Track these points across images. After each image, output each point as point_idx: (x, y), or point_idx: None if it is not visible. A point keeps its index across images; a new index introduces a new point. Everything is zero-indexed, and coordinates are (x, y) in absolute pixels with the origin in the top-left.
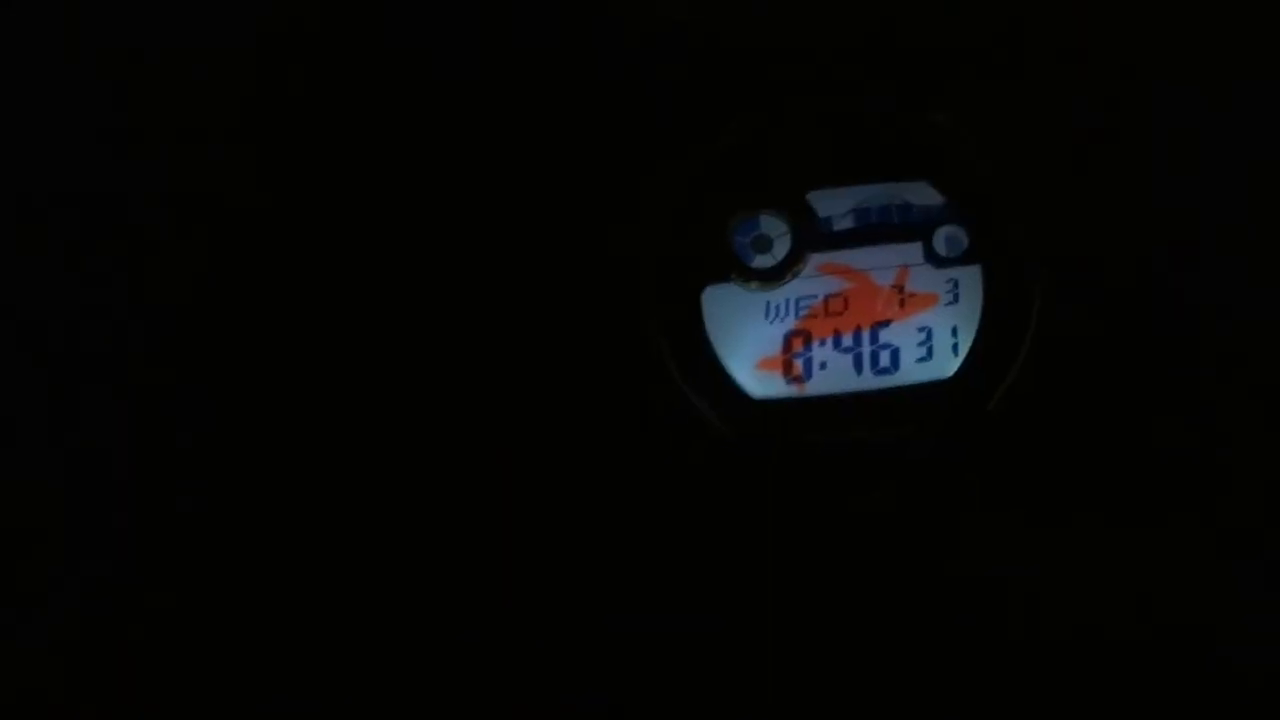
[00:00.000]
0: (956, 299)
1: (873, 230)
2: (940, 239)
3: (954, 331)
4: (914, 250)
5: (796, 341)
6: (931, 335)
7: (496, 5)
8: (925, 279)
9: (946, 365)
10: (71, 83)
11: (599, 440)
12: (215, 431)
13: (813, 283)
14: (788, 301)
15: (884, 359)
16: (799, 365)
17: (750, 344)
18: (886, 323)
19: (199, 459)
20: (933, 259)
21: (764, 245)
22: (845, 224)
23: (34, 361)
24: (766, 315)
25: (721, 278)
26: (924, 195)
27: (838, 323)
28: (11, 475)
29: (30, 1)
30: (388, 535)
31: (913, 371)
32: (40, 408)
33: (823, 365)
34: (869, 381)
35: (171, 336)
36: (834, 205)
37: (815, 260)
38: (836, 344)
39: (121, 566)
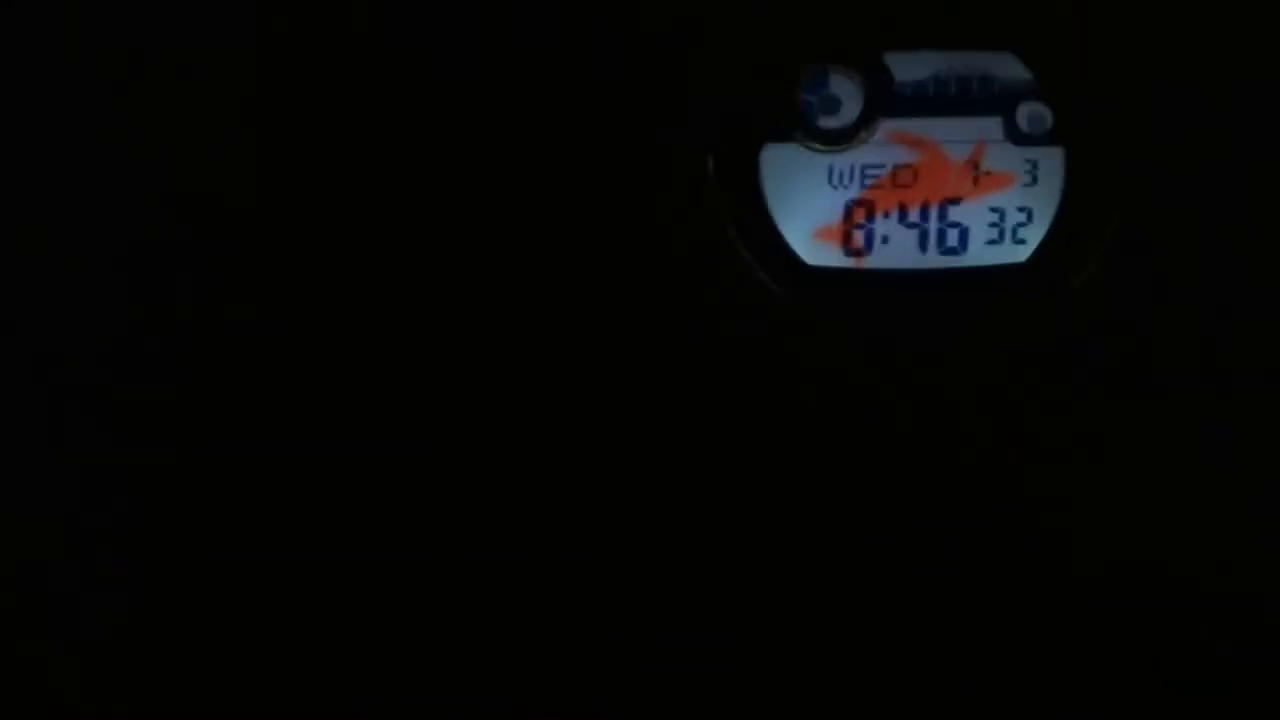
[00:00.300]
0: (1035, 181)
1: (951, 100)
2: (1023, 115)
3: (1029, 216)
4: (993, 125)
5: (858, 212)
6: (1004, 217)
7: None
8: (1003, 157)
9: (1018, 250)
10: (71, 83)
11: (648, 298)
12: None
13: (881, 150)
14: (853, 168)
15: (951, 238)
16: (859, 237)
17: (809, 210)
18: (957, 200)
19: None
20: (1013, 136)
21: (832, 106)
22: (922, 90)
23: (33, 362)
24: (829, 180)
25: (784, 136)
26: (1009, 68)
27: (904, 196)
28: (12, 477)
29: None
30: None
31: (981, 254)
32: (39, 410)
33: (885, 239)
34: (933, 260)
35: (172, 335)
36: (912, 69)
37: (886, 127)
38: (901, 218)
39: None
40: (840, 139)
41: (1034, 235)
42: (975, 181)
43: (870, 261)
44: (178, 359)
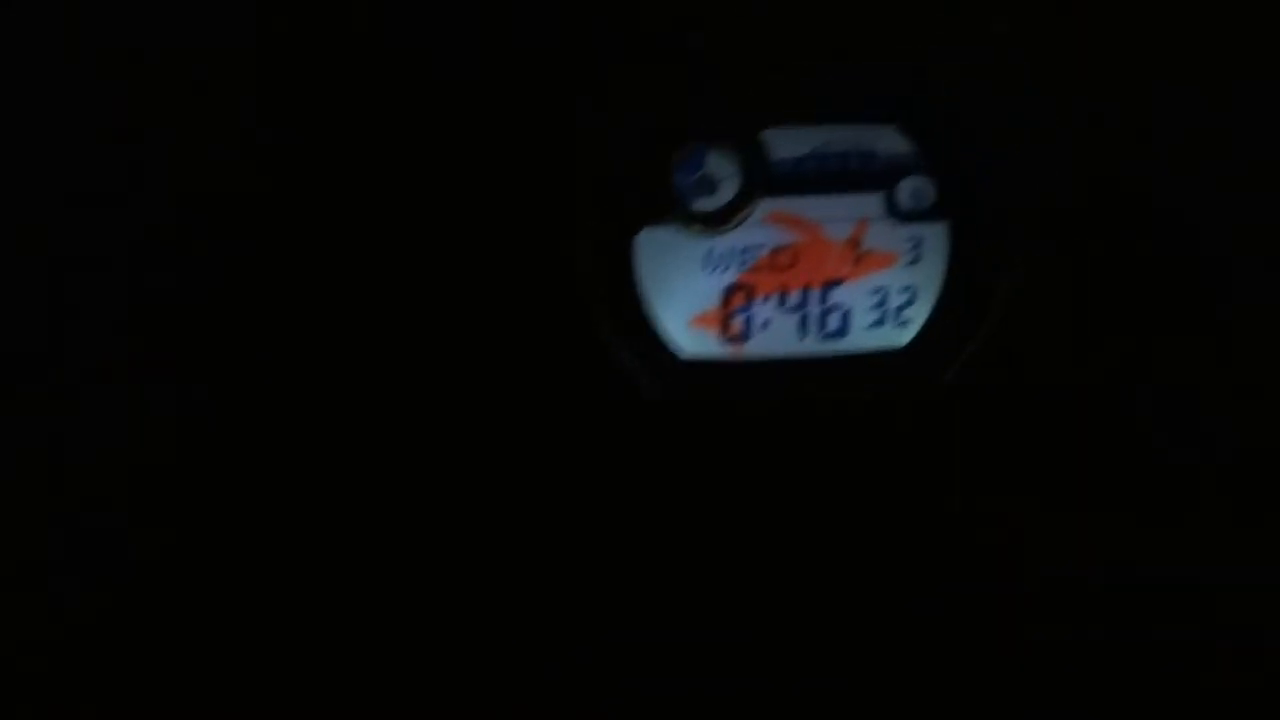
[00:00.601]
0: (918, 259)
1: (831, 177)
2: (905, 191)
3: (912, 296)
4: (875, 202)
5: (737, 296)
6: (887, 298)
7: None
8: (885, 235)
9: (901, 333)
10: (71, 83)
11: (519, 393)
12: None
13: (760, 231)
14: (731, 251)
15: (833, 321)
16: (738, 323)
17: (685, 296)
18: (838, 281)
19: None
20: (895, 213)
21: (709, 187)
22: (801, 168)
23: (34, 357)
24: (706, 265)
25: (659, 220)
26: (891, 142)
27: (784, 278)
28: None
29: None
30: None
31: (864, 338)
32: (39, 406)
33: (765, 325)
34: (814, 346)
35: (171, 334)
36: (790, 146)
37: (765, 206)
38: (781, 302)
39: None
40: (718, 221)
41: (918, 316)
42: (857, 261)
43: (749, 348)
44: (177, 354)
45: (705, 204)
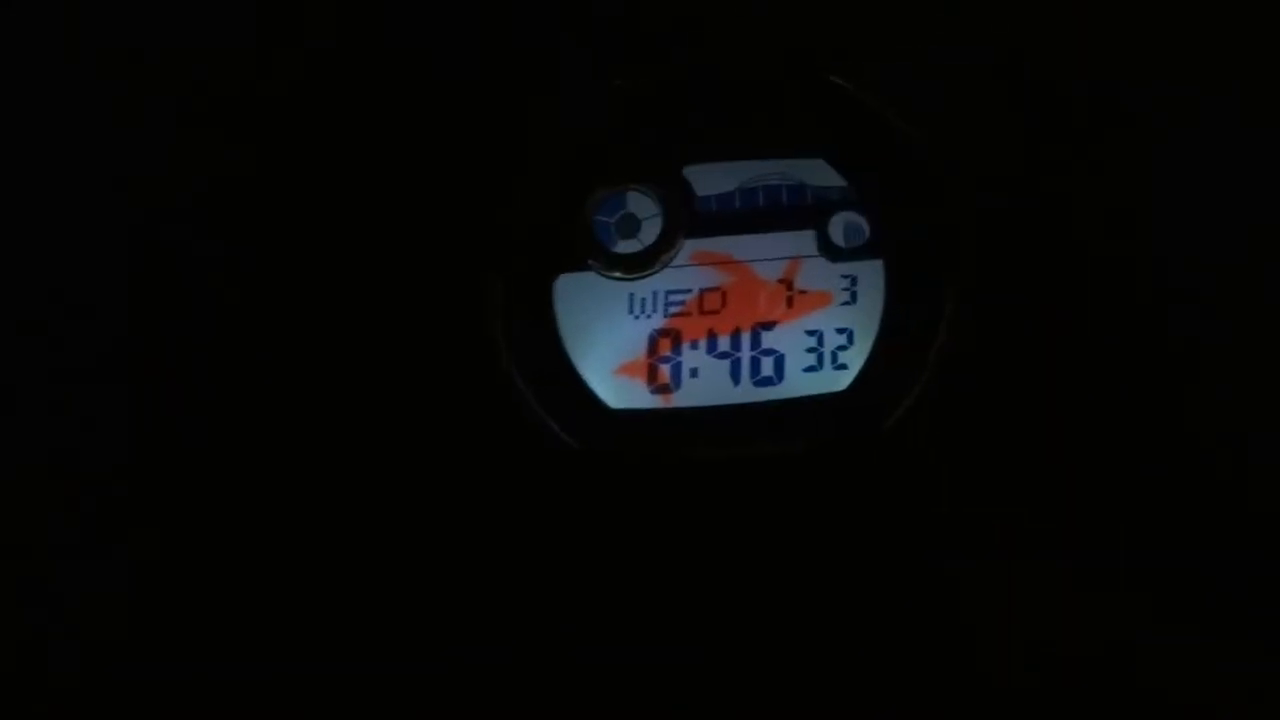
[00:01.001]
0: (854, 299)
1: (760, 214)
2: (837, 227)
3: (849, 338)
4: (807, 240)
5: (664, 343)
6: (822, 341)
7: None
8: (818, 274)
9: (838, 377)
10: (71, 82)
11: (434, 451)
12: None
13: (686, 274)
14: (655, 295)
15: (766, 367)
16: (665, 372)
17: (609, 344)
18: (771, 325)
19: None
20: (828, 251)
21: (630, 228)
22: (728, 205)
23: (34, 355)
24: (630, 310)
25: (578, 264)
26: (821, 175)
27: (713, 323)
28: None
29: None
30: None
31: (799, 383)
32: (39, 404)
33: (694, 373)
34: (747, 393)
35: (170, 333)
36: (714, 183)
37: (690, 247)
38: (711, 348)
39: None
40: (640, 264)
41: (855, 359)
42: (790, 302)
43: (679, 399)
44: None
45: (627, 246)
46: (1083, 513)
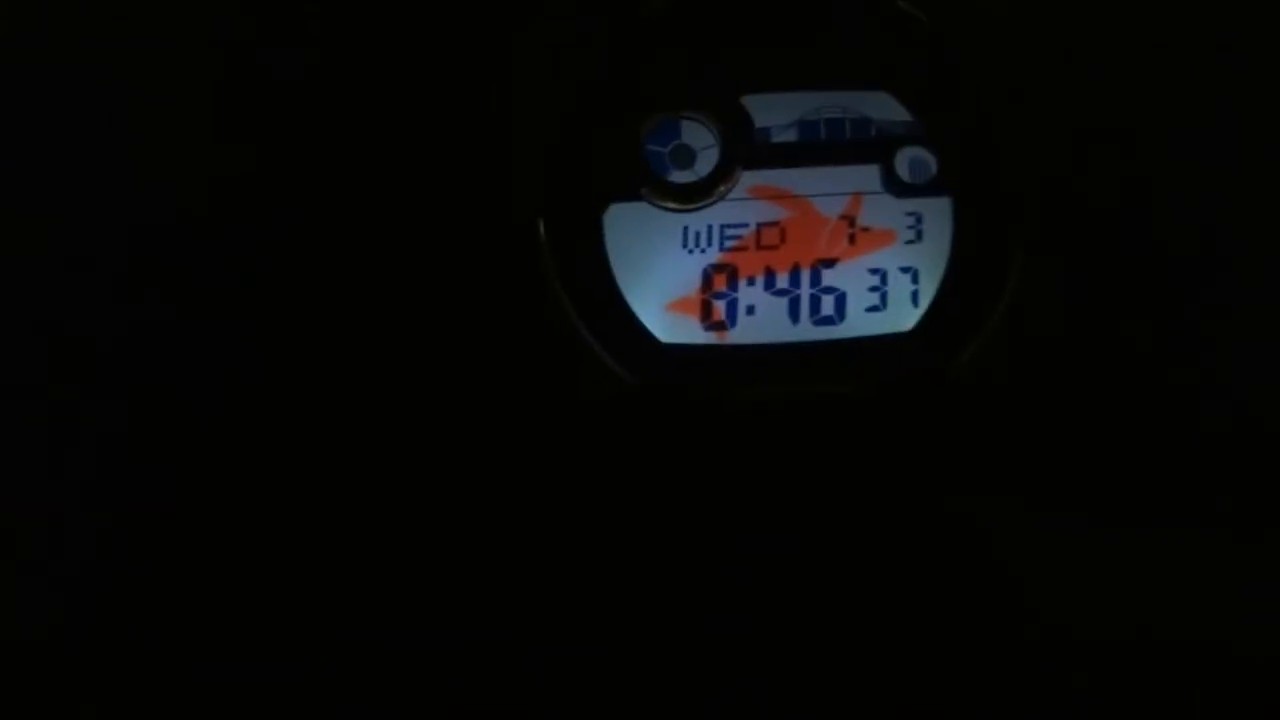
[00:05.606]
0: (919, 237)
1: (821, 148)
2: (903, 163)
3: (914, 277)
4: (870, 175)
5: (719, 279)
6: (886, 280)
7: None
8: (882, 211)
9: (903, 317)
10: (71, 82)
11: (487, 384)
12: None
13: (743, 208)
14: (711, 228)
15: (827, 306)
16: (720, 308)
17: (661, 278)
18: (832, 262)
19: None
20: (892, 187)
21: (685, 158)
22: (787, 137)
23: (34, 357)
24: (683, 244)
25: (630, 194)
26: (886, 109)
27: (771, 259)
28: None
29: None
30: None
31: (861, 323)
32: (39, 403)
33: (750, 310)
34: (806, 332)
35: (171, 332)
36: (775, 113)
37: (747, 180)
38: (769, 284)
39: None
40: (695, 195)
41: (921, 299)
42: (852, 240)
43: (734, 336)
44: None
45: (682, 177)
46: (1148, 470)
